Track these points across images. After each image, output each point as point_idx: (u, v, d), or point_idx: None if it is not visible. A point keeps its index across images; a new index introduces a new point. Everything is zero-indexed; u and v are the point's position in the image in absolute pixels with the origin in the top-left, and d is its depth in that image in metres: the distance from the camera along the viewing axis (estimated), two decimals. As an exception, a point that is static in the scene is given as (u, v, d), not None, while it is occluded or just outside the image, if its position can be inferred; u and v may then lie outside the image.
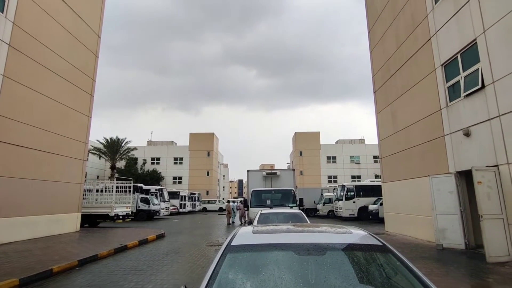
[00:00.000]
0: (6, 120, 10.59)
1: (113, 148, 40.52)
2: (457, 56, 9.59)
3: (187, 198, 36.56)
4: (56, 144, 13.16)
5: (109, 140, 40.59)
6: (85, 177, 15.93)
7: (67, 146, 13.86)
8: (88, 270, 7.19)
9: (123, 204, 18.23)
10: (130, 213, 19.38)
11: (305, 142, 52.73)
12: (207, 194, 51.01)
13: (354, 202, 22.72)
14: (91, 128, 16.02)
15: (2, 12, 10.52)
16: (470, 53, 9.07)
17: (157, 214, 25.68)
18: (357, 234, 2.31)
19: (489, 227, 7.49)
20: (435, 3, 10.71)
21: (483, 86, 8.40)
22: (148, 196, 25.16)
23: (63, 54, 13.63)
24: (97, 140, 40.94)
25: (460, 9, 9.34)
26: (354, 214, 22.50)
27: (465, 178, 9.44)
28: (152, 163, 51.42)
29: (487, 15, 8.29)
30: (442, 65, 10.29)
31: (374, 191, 21.95)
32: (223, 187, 77.32)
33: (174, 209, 32.50)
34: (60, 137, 13.43)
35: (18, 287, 5.72)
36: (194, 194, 40.53)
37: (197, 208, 40.53)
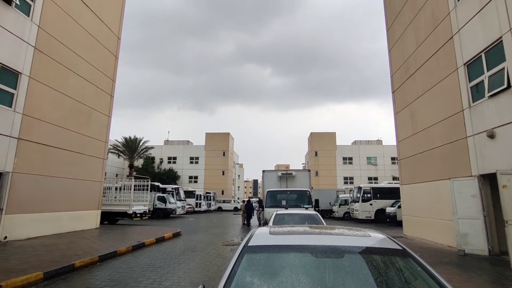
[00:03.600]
0: (32, 120, 11.04)
1: (131, 147, 41.44)
2: (481, 55, 9.25)
3: (202, 197, 36.95)
4: (79, 143, 13.61)
5: (127, 139, 41.54)
6: (105, 175, 16.38)
7: (88, 145, 14.31)
8: (108, 265, 7.40)
9: (140, 202, 18.63)
10: (147, 211, 19.78)
11: (321, 142, 52.23)
12: (222, 193, 51.37)
13: (371, 204, 22.30)
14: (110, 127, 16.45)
15: (28, 16, 10.97)
16: (495, 52, 8.72)
17: (174, 212, 26.09)
18: (375, 238, 2.28)
19: (514, 233, 7.18)
20: (458, 0, 10.37)
21: (509, 86, 8.06)
22: (165, 195, 25.61)
23: (85, 55, 14.07)
24: (116, 140, 42.00)
25: (485, 5, 9.01)
26: (371, 217, 22.09)
27: (489, 181, 9.09)
28: (169, 162, 52.29)
29: (513, 12, 7.95)
30: (464, 64, 9.95)
31: (392, 193, 21.46)
32: (238, 187, 77.64)
33: (190, 208, 32.93)
34: (82, 136, 13.88)
35: (43, 280, 5.96)
36: (210, 193, 40.90)
37: (212, 208, 40.88)
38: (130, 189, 17.93)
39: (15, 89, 10.44)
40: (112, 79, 16.37)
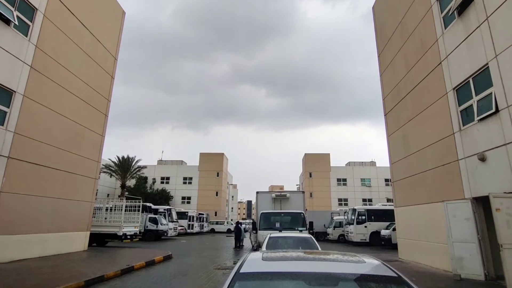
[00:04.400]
0: (24, 138, 10.91)
1: (124, 166, 40.96)
2: (469, 80, 9.54)
3: (195, 218, 36.25)
4: (70, 163, 13.41)
5: (120, 159, 41.12)
6: (96, 195, 16.05)
7: (80, 165, 14.11)
8: (94, 291, 7.08)
9: (131, 224, 18.17)
10: (138, 232, 19.27)
11: (315, 164, 52.32)
12: (216, 215, 50.51)
13: (365, 226, 22.08)
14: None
15: (26, 36, 11.10)
16: (482, 77, 9.02)
17: (165, 234, 25.45)
18: (370, 264, 2.24)
19: (510, 256, 7.14)
20: (445, 28, 10.81)
21: (497, 111, 8.27)
22: (156, 216, 25.07)
23: (81, 75, 14.16)
24: (109, 159, 41.55)
25: (470, 33, 9.40)
26: (365, 239, 21.80)
27: (482, 204, 9.12)
28: (162, 183, 51.62)
29: (498, 39, 8.30)
30: (454, 89, 10.24)
31: (387, 216, 21.33)
32: (232, 208, 76.53)
33: (182, 229, 32.19)
34: (75, 156, 13.70)
35: (24, 307, 5.67)
36: (203, 214, 40.18)
37: (205, 229, 40.03)
38: (121, 210, 17.54)
39: (8, 107, 10.38)
40: (107, 99, 16.41)
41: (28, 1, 11.09)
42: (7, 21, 10.18)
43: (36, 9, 11.45)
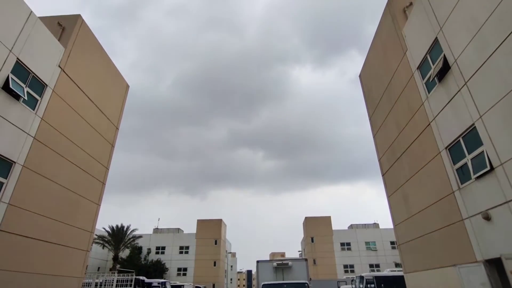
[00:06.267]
0: (17, 209, 10.64)
1: (118, 236, 39.26)
2: (459, 140, 9.82)
3: (191, 292, 33.43)
4: (62, 234, 12.86)
5: (114, 228, 39.60)
6: (86, 269, 15.04)
7: (72, 236, 13.51)
8: None
9: (122, 301, 16.72)
10: (128, 311, 17.60)
11: (316, 227, 50.51)
12: (214, 287, 46.78)
13: (376, 296, 20.33)
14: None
15: (33, 110, 11.63)
16: (471, 137, 9.30)
17: (158, 312, 23.18)
18: None
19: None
20: (428, 92, 11.52)
21: (492, 168, 8.35)
22: (149, 291, 23.12)
23: (82, 144, 14.46)
24: (103, 228, 39.99)
25: (452, 97, 9.98)
26: (377, 311, 19.88)
27: (496, 266, 8.61)
28: (157, 253, 48.90)
29: (480, 101, 8.74)
30: (446, 148, 10.48)
31: (397, 283, 19.79)
32: (231, 279, 71.29)
33: (177, 306, 29.42)
34: (68, 227, 13.20)
35: None
36: (200, 287, 37.25)
37: (202, 305, 36.66)
38: (112, 285, 16.29)
39: (6, 178, 10.35)
40: (106, 167, 16.51)
41: (39, 78, 11.88)
42: (17, 96, 10.76)
43: (46, 85, 12.23)
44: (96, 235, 37.31)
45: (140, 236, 43.28)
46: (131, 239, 40.63)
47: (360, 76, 19.57)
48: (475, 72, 8.88)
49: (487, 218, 8.52)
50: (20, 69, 10.99)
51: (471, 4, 8.97)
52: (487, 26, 8.37)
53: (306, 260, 17.35)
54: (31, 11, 11.47)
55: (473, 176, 9.08)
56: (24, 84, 11.17)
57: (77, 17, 14.38)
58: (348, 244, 49.17)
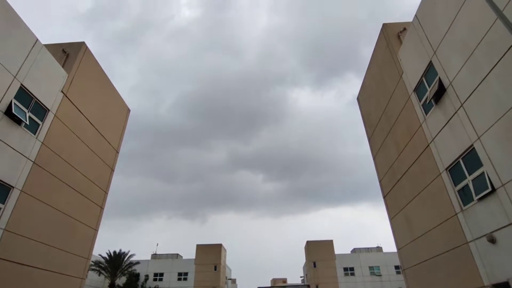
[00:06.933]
0: (13, 235, 10.43)
1: (114, 262, 38.18)
2: (459, 161, 9.81)
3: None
4: (57, 261, 12.53)
5: (111, 255, 38.60)
6: (80, 298, 14.51)
7: (68, 263, 13.15)
8: None
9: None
10: None
11: (318, 252, 49.20)
12: (213, 316, 44.91)
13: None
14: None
15: (34, 134, 11.70)
16: (471, 158, 9.29)
17: None
18: None
19: None
20: (426, 114, 11.64)
21: (493, 189, 8.28)
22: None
23: (81, 168, 14.41)
24: (99, 255, 38.97)
25: (450, 119, 10.08)
26: None
27: (504, 292, 8.33)
28: (155, 279, 47.35)
29: (478, 122, 8.81)
30: (446, 169, 10.45)
31: (404, 310, 19.09)
32: (231, 308, 68.44)
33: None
34: (64, 253, 12.89)
35: None
36: (198, 317, 35.72)
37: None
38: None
39: (3, 203, 10.23)
40: (105, 191, 16.37)
41: (42, 103, 12.04)
42: (18, 121, 10.86)
43: (48, 110, 12.37)
44: (92, 261, 36.31)
45: (137, 262, 42.06)
46: (128, 265, 39.48)
47: (358, 98, 19.85)
48: (471, 94, 9.03)
49: (492, 240, 8.35)
50: (23, 95, 11.17)
51: (462, 31, 9.27)
52: (479, 51, 8.61)
53: (308, 286, 16.83)
54: (37, 39, 11.82)
55: (475, 198, 8.99)
56: (27, 109, 11.31)
57: (81, 44, 14.80)
58: (352, 269, 47.72)
